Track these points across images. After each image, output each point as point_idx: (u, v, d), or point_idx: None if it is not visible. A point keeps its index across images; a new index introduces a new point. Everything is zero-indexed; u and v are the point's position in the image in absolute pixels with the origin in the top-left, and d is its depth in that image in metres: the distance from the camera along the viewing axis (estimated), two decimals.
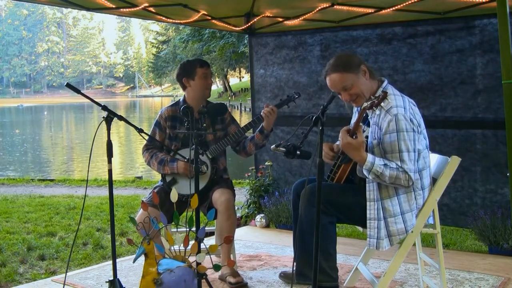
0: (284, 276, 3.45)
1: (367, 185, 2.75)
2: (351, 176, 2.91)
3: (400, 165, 2.61)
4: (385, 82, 2.84)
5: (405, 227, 2.73)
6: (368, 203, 2.74)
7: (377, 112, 2.73)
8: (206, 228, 2.63)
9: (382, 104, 2.62)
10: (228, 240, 2.72)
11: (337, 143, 2.98)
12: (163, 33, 64.68)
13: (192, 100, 3.57)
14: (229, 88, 55.63)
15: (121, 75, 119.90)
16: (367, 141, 2.76)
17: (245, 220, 5.37)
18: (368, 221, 2.75)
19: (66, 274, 3.18)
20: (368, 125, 2.83)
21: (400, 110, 2.64)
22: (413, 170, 2.62)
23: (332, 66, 2.79)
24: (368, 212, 2.74)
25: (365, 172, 2.64)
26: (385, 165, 2.60)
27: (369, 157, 2.60)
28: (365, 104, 2.58)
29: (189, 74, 3.56)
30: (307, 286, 3.05)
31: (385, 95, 2.58)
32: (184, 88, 3.61)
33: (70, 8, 4.30)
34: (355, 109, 3.10)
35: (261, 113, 3.45)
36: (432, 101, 4.45)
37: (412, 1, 4.18)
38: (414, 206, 2.76)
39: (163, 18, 4.86)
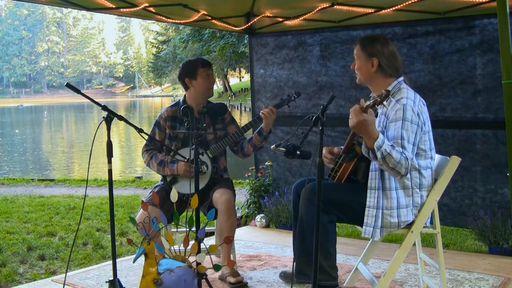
0: (284, 276, 3.46)
1: (370, 173, 2.77)
2: (352, 176, 2.92)
3: (401, 151, 2.61)
4: (400, 78, 2.86)
5: (398, 222, 2.75)
6: (369, 191, 2.77)
7: (385, 102, 2.75)
8: (206, 228, 2.63)
9: (395, 95, 2.72)
10: (228, 240, 2.72)
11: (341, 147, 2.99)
12: (163, 33, 64.69)
13: (193, 100, 3.57)
14: (229, 88, 55.64)
15: (121, 75, 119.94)
16: None
17: (245, 220, 5.37)
18: (367, 209, 2.77)
19: (66, 274, 3.18)
20: (376, 116, 2.85)
21: (410, 102, 2.69)
22: (410, 160, 2.63)
23: (361, 37, 2.97)
24: (368, 199, 2.76)
25: (376, 149, 2.58)
26: (392, 146, 2.61)
27: (380, 134, 2.60)
28: (367, 103, 2.59)
29: (191, 74, 3.55)
30: (307, 285, 3.06)
31: (387, 94, 2.58)
32: (186, 88, 3.61)
33: (70, 8, 4.31)
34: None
35: (260, 114, 3.45)
36: (432, 101, 4.45)
37: (412, 1, 4.18)
38: (411, 203, 2.77)
39: (163, 18, 4.85)
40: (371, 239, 3.09)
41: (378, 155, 2.57)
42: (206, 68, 3.56)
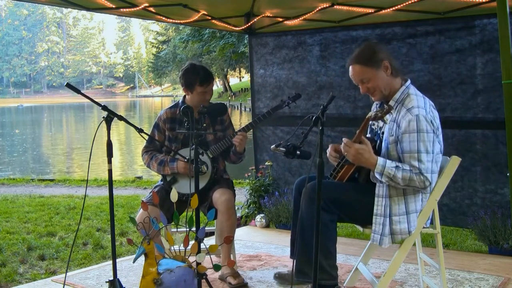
0: (278, 276, 3.43)
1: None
2: (355, 175, 2.91)
3: (417, 165, 2.59)
4: (408, 82, 2.83)
5: (408, 227, 2.73)
6: (376, 199, 2.75)
7: (397, 109, 2.73)
8: (206, 228, 2.63)
9: (405, 102, 2.69)
10: (228, 240, 2.72)
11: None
12: (163, 33, 64.69)
13: (192, 103, 3.57)
14: (229, 88, 55.65)
15: (121, 75, 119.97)
16: (383, 137, 2.77)
17: (245, 220, 5.37)
18: (374, 217, 2.75)
19: (66, 274, 3.18)
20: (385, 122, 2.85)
21: (422, 111, 2.64)
22: (430, 171, 2.61)
23: (354, 58, 2.81)
24: (375, 207, 2.75)
25: (377, 176, 2.64)
26: (397, 167, 2.59)
27: (379, 160, 2.60)
28: (369, 115, 2.60)
29: (188, 87, 3.51)
30: (307, 284, 3.06)
31: (390, 109, 2.60)
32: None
33: (70, 8, 4.31)
34: (373, 106, 3.07)
35: (233, 141, 3.49)
36: (432, 101, 4.44)
37: (412, 1, 4.18)
38: (420, 208, 2.77)
39: (163, 18, 4.85)
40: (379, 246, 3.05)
41: (383, 179, 2.60)
42: (203, 87, 3.47)
